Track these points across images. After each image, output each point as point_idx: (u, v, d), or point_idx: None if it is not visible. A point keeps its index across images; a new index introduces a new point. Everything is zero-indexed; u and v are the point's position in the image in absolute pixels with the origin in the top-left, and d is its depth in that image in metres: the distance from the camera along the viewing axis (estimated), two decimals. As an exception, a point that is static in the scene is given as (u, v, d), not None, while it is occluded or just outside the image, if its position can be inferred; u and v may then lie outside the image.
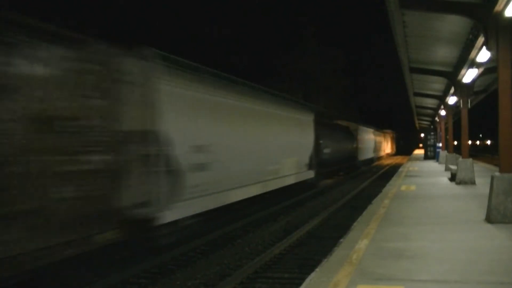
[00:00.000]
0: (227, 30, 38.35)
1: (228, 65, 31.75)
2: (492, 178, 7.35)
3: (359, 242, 6.06)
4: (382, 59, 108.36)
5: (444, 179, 15.64)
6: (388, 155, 58.51)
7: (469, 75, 12.39)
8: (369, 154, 37.43)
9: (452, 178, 14.74)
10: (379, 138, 45.78)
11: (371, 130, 39.54)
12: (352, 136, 29.55)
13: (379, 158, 46.69)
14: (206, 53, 33.50)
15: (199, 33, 37.54)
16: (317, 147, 18.43)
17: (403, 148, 77.42)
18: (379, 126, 52.64)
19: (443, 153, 25.02)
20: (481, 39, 9.12)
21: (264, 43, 41.45)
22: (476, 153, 52.14)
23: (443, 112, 24.01)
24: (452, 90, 15.95)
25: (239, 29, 39.42)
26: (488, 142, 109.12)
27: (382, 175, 26.93)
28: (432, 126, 38.38)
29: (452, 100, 17.87)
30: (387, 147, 57.22)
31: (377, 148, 42.93)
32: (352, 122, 31.90)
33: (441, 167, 21.67)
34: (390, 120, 77.16)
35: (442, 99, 21.21)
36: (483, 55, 9.45)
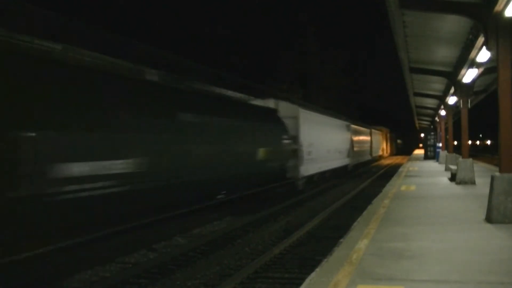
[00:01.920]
0: (228, 30, 38.37)
1: (228, 65, 31.77)
2: (492, 178, 7.34)
3: (359, 242, 6.06)
4: (382, 59, 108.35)
5: (444, 179, 15.63)
6: (380, 158, 48.44)
7: (469, 75, 12.38)
8: (339, 161, 23.31)
9: (452, 178, 14.73)
10: (361, 137, 33.15)
11: (343, 123, 25.46)
12: (281, 128, 15.29)
13: (365, 163, 35.02)
14: (206, 53, 33.51)
15: (199, 33, 37.54)
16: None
17: (402, 148, 76.75)
18: (379, 125, 51.20)
19: (443, 153, 25.02)
20: (481, 39, 9.12)
21: (264, 43, 41.46)
22: (476, 153, 52.16)
23: (443, 112, 24.00)
24: (452, 90, 15.94)
25: (240, 29, 39.43)
26: (488, 142, 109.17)
27: (382, 175, 26.93)
28: (432, 126, 38.39)
29: (452, 100, 17.87)
30: (378, 148, 45.30)
31: (358, 150, 29.66)
32: (290, 103, 17.24)
33: (441, 167, 21.66)
34: (390, 119, 77.07)
35: (442, 99, 21.20)
36: (483, 55, 9.45)
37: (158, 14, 38.62)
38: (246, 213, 11.88)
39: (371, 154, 38.93)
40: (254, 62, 39.32)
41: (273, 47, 42.12)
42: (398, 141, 79.06)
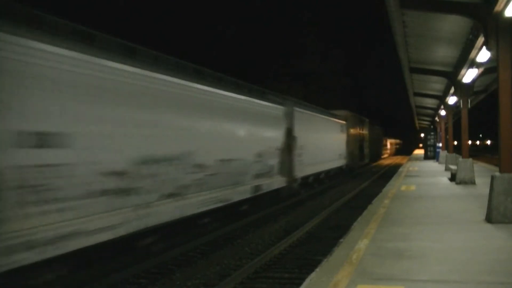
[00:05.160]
0: (229, 30, 38.41)
1: (227, 65, 31.77)
2: (492, 178, 7.35)
3: (359, 242, 6.06)
4: (382, 59, 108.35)
5: (444, 179, 15.64)
6: (333, 175, 21.95)
7: (469, 75, 12.39)
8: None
9: (452, 178, 14.74)
10: (245, 129, 10.37)
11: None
12: None
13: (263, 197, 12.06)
14: (207, 53, 33.52)
15: (200, 34, 37.55)
16: None
17: (401, 149, 74.11)
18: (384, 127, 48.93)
19: (443, 153, 25.04)
20: (481, 39, 9.13)
21: (265, 43, 41.50)
22: (476, 153, 52.15)
23: (443, 112, 24.02)
24: (452, 90, 15.95)
25: (240, 29, 39.44)
26: (488, 142, 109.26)
27: (382, 175, 26.93)
28: (432, 126, 38.40)
29: (452, 100, 17.88)
30: (331, 155, 20.72)
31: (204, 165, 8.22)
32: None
33: (441, 167, 21.67)
34: (390, 119, 76.85)
35: (442, 99, 21.21)
36: (483, 55, 9.45)
37: (158, 15, 38.65)
38: (246, 213, 11.43)
39: (290, 173, 13.90)
40: (255, 62, 39.33)
41: (273, 47, 42.17)
42: (390, 140, 60.63)
